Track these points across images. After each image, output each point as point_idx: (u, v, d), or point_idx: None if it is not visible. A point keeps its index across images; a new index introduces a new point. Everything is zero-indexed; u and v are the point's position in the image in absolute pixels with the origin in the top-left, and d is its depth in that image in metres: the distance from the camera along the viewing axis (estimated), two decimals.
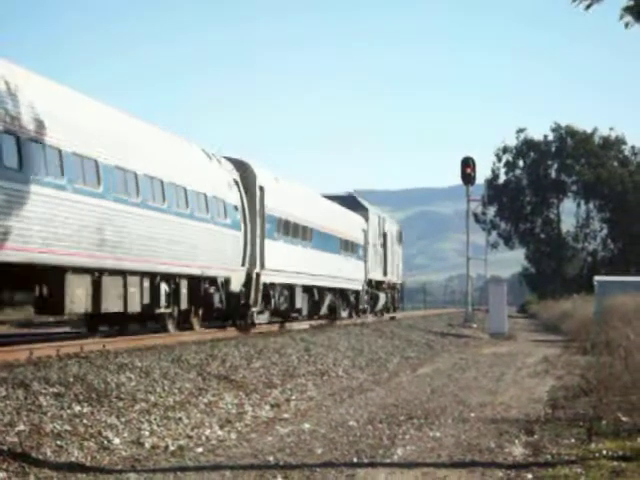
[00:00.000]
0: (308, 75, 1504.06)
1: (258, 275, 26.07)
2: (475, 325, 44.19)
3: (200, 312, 23.13)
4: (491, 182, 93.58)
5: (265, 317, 27.58)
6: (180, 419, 11.75)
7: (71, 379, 11.96)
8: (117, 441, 10.14)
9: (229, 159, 26.12)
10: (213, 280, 23.29)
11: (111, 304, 17.91)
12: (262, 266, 26.30)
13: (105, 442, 10.00)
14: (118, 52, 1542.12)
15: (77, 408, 10.79)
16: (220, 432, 11.50)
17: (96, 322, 20.00)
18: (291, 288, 29.87)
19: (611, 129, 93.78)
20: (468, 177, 45.53)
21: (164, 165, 20.70)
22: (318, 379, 17.60)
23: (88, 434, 10.05)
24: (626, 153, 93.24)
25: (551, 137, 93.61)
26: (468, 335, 37.99)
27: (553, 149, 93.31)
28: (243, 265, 25.12)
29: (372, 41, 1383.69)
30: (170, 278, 20.83)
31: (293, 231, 30.11)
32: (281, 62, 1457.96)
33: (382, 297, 46.96)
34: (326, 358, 20.50)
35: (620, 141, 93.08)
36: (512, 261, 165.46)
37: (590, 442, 10.69)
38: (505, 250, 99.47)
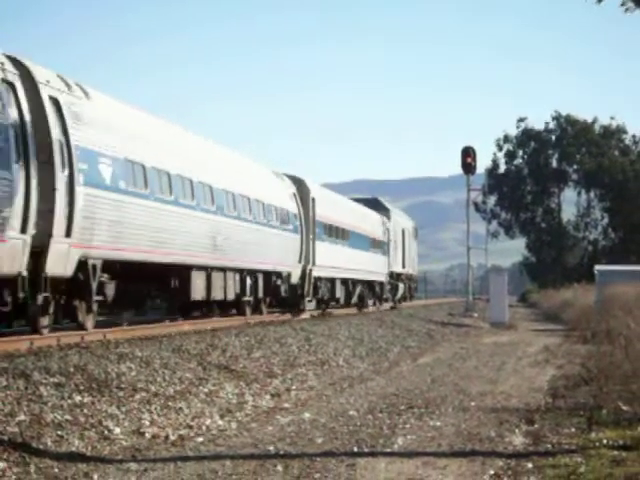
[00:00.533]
0: (310, 69, 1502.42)
1: (310, 270, 32.42)
2: (476, 314, 44.19)
3: (267, 300, 28.92)
4: (492, 171, 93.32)
5: (313, 304, 33.49)
6: (180, 409, 11.76)
7: (72, 369, 11.96)
8: (118, 431, 10.15)
9: (288, 176, 32.82)
10: (279, 274, 29.21)
11: (217, 293, 23.35)
12: (313, 263, 32.65)
13: (106, 432, 10.01)
14: (118, 48, 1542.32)
15: (78, 398, 10.79)
16: (220, 422, 11.51)
17: (187, 308, 23.80)
18: (332, 281, 36.18)
19: (612, 118, 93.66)
20: (468, 166, 45.49)
21: (250, 185, 26.95)
22: (318, 369, 17.61)
23: (89, 424, 10.06)
24: (627, 142, 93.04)
25: (552, 126, 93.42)
26: (469, 324, 38.01)
27: (554, 138, 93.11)
28: (300, 262, 31.45)
29: (371, 36, 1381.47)
30: (251, 273, 26.43)
31: (335, 233, 36.87)
32: (283, 56, 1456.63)
33: (401, 287, 53.43)
34: (326, 348, 20.50)
35: (621, 130, 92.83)
36: (513, 250, 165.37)
37: (590, 431, 10.69)
38: (506, 239, 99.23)
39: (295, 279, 30.86)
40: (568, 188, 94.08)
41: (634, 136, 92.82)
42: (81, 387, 11.26)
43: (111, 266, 18.10)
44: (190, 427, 10.98)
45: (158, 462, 9.04)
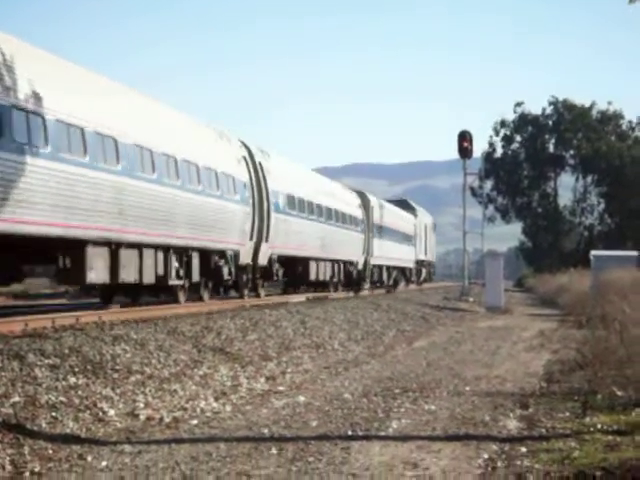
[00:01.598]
0: (309, 48, 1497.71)
1: (369, 260, 45.14)
2: (471, 299, 44.16)
3: (342, 281, 40.48)
4: (488, 156, 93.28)
5: (367, 285, 45.11)
6: (175, 391, 11.75)
7: (66, 351, 11.95)
8: (112, 413, 10.14)
9: (355, 190, 46.40)
10: (352, 263, 41.71)
11: (321, 276, 35.59)
12: (371, 255, 45.63)
13: (100, 414, 10.00)
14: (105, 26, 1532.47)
15: (72, 380, 10.78)
16: (215, 404, 11.50)
17: (290, 285, 35.33)
18: (380, 267, 49.04)
19: (609, 103, 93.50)
20: (465, 151, 45.36)
21: (338, 200, 39.52)
22: (314, 352, 17.61)
23: (83, 406, 10.05)
24: (624, 128, 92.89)
25: (549, 110, 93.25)
26: (464, 309, 38.00)
27: (551, 123, 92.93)
28: (363, 254, 44.04)
29: (371, 14, 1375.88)
30: (338, 262, 38.70)
31: (383, 232, 49.28)
32: (282, 34, 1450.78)
33: (424, 272, 67.91)
34: (322, 331, 20.50)
35: (618, 115, 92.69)
36: (509, 235, 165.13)
37: (585, 416, 10.68)
38: (502, 224, 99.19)
39: (360, 266, 43.30)
40: (565, 173, 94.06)
41: (631, 122, 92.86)
42: (76, 369, 11.26)
43: (280, 259, 29.83)
44: (184, 409, 10.98)
45: (152, 444, 9.03)
